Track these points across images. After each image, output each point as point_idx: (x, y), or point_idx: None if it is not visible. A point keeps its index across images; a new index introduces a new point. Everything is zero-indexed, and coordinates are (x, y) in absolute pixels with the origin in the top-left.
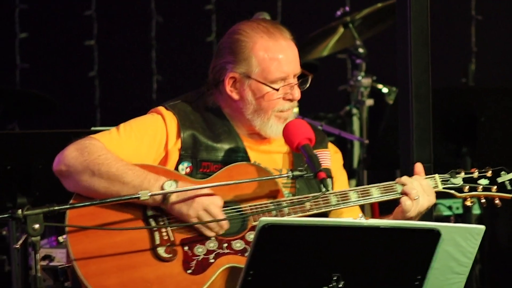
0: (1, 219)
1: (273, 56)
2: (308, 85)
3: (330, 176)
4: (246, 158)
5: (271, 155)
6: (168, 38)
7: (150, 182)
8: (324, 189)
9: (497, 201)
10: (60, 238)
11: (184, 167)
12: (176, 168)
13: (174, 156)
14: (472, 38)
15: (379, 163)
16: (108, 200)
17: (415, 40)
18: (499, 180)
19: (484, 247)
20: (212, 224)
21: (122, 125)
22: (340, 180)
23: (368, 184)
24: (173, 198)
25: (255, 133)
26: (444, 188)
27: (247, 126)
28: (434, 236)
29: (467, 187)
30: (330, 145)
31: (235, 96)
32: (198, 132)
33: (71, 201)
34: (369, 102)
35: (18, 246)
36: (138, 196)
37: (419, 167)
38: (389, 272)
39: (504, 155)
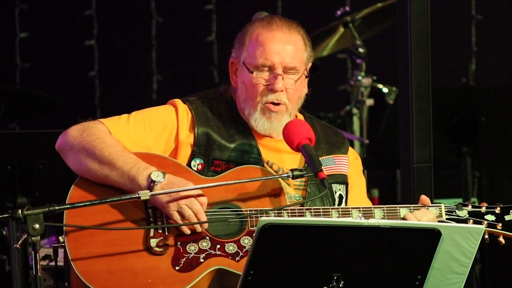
0: (1, 219)
1: (261, 43)
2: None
3: (345, 182)
4: (259, 160)
5: (285, 154)
6: (168, 38)
7: (138, 170)
8: (325, 189)
9: (500, 239)
10: (61, 238)
11: (196, 164)
12: (189, 164)
13: (185, 149)
14: (472, 37)
15: (379, 163)
16: (109, 200)
17: (415, 40)
18: (507, 218)
19: (484, 247)
20: (193, 219)
21: (134, 113)
22: (356, 187)
23: (368, 184)
24: (158, 189)
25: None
26: (447, 218)
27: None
28: (434, 236)
29: (471, 221)
30: (351, 150)
31: (234, 84)
32: (213, 130)
33: (73, 186)
34: (369, 102)
35: (18, 246)
36: (138, 196)
37: (424, 198)
38: (390, 271)
39: (504, 155)
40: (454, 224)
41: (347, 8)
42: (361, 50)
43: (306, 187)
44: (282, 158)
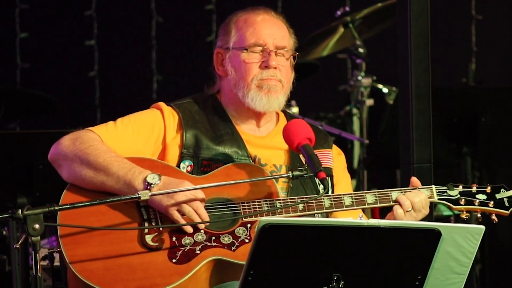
0: (2, 219)
1: (250, 24)
2: (295, 61)
3: (330, 175)
4: (247, 159)
5: (271, 150)
6: (168, 38)
7: (134, 174)
8: (323, 190)
9: (493, 217)
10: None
11: (186, 166)
12: (178, 166)
13: (173, 150)
14: (472, 37)
15: (379, 163)
16: (109, 200)
17: (415, 40)
18: (498, 196)
19: (484, 247)
20: (195, 218)
21: (119, 119)
22: (342, 182)
23: (368, 184)
24: (155, 190)
25: (252, 119)
26: (439, 199)
27: (240, 106)
28: (434, 236)
29: (463, 200)
30: (335, 147)
31: (222, 73)
32: (201, 132)
33: (65, 191)
34: (369, 102)
35: (18, 246)
36: (138, 196)
37: (414, 180)
38: (390, 272)
39: (504, 155)
40: (454, 224)
41: (347, 8)
42: (361, 50)
43: (288, 181)
44: (268, 154)
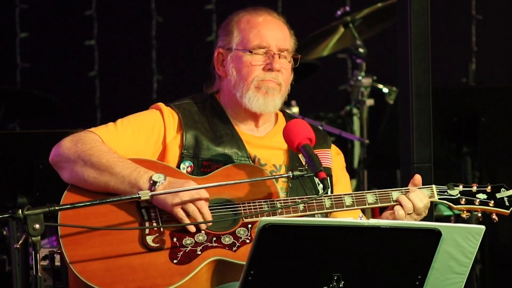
0: (2, 219)
1: (253, 26)
2: (297, 64)
3: (330, 175)
4: (247, 160)
5: (270, 150)
6: (168, 38)
7: (139, 174)
8: (322, 191)
9: (494, 216)
10: None
11: (186, 166)
12: (178, 167)
13: (173, 151)
14: (472, 37)
15: (380, 163)
16: (109, 200)
17: (415, 40)
18: (498, 195)
19: (485, 247)
20: (198, 217)
21: (119, 120)
22: (340, 182)
23: (368, 184)
24: (160, 189)
25: (251, 120)
26: (439, 198)
27: (238, 107)
28: (434, 236)
29: (463, 200)
30: (333, 146)
31: (222, 73)
32: (201, 132)
33: (66, 192)
34: (370, 102)
35: (18, 246)
36: (138, 196)
37: (417, 178)
38: (390, 272)
39: (504, 155)
40: (454, 224)
41: (347, 8)
42: (361, 50)
43: (288, 180)
44: (268, 154)
